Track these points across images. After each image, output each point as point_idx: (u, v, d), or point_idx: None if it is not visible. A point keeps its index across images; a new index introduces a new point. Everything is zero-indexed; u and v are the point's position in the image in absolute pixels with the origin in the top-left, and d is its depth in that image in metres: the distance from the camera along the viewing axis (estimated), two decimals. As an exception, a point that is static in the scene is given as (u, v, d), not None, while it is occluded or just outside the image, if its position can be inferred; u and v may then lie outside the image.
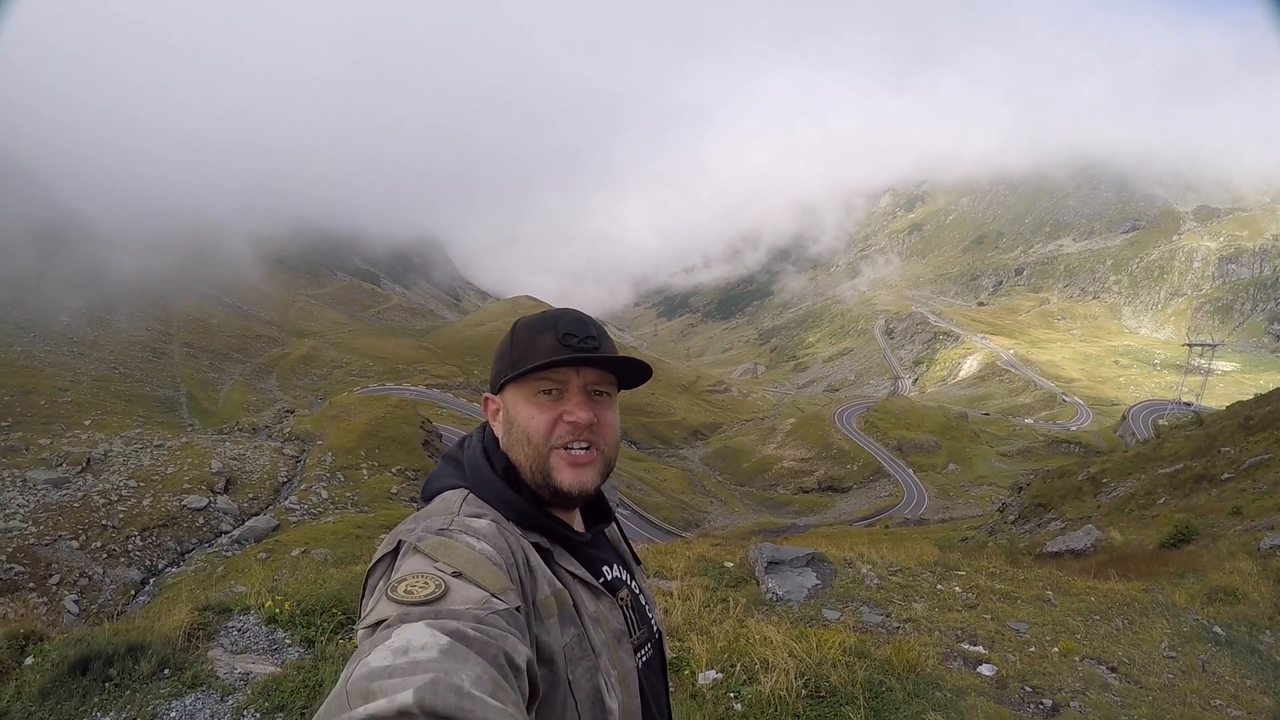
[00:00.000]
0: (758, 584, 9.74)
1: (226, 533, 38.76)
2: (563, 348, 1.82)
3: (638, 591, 2.09)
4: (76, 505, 37.59)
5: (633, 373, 1.93)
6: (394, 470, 51.16)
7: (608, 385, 1.91)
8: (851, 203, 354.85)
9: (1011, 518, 43.09)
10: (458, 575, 1.45)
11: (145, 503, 39.30)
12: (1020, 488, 50.29)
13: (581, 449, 1.83)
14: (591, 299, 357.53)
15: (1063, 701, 6.72)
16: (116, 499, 39.02)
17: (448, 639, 1.22)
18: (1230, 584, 11.72)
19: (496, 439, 1.93)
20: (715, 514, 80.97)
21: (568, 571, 1.78)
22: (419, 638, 1.21)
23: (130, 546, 35.67)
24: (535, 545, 1.74)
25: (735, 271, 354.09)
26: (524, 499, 1.80)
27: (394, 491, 47.52)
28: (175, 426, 62.49)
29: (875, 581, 10.12)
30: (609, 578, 1.96)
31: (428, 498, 1.85)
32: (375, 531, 34.11)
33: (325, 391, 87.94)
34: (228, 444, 52.26)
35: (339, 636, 6.68)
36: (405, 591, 1.36)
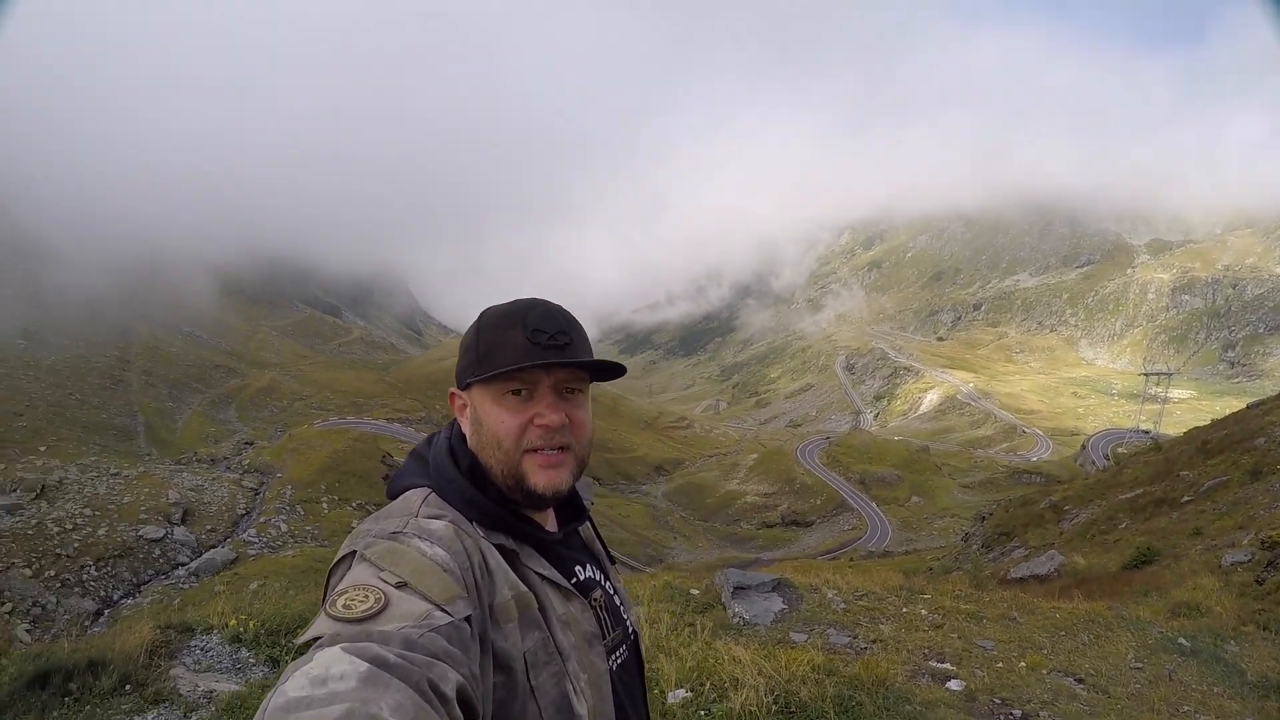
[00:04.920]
0: (724, 609, 9.71)
1: (183, 565, 38.26)
2: (532, 345, 1.72)
3: (612, 592, 2.02)
4: (30, 533, 36.93)
5: (606, 370, 1.86)
6: (354, 504, 50.70)
7: (580, 382, 1.82)
8: (813, 238, 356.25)
9: (975, 547, 43.30)
10: (402, 586, 1.38)
11: (101, 532, 38.71)
12: (983, 518, 50.59)
13: (554, 450, 1.75)
14: None
15: (1031, 712, 6.77)
16: (71, 527, 38.39)
17: (367, 666, 1.15)
18: (1193, 599, 11.87)
19: (464, 436, 1.84)
20: (679, 550, 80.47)
21: (536, 573, 1.71)
22: (338, 665, 1.14)
23: (85, 576, 35.19)
24: (500, 547, 1.67)
25: (699, 308, 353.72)
26: (489, 498, 1.72)
27: (354, 525, 46.81)
28: (132, 456, 61.55)
29: (841, 606, 10.10)
30: (581, 578, 1.89)
31: (392, 495, 1.78)
32: (335, 565, 33.51)
33: (285, 424, 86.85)
34: (186, 475, 51.44)
35: (304, 655, 6.50)
36: (344, 607, 1.31)
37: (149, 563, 37.74)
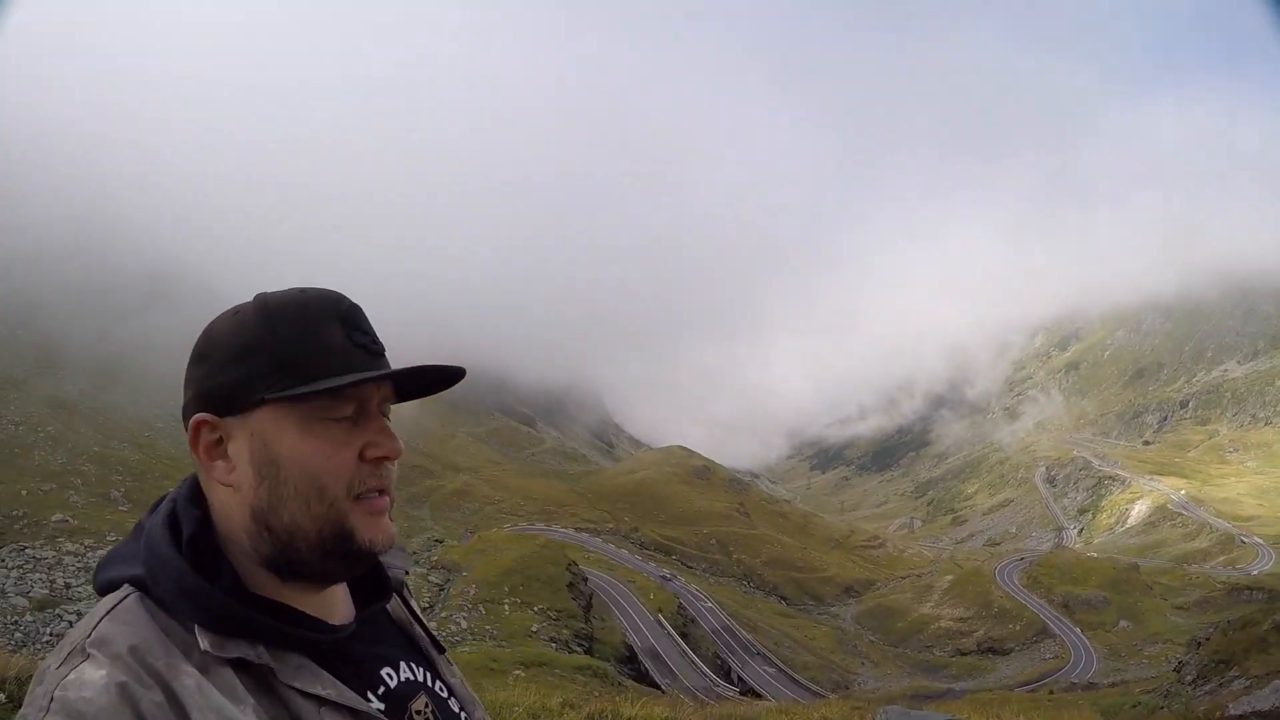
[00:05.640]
0: (878, 752, 8.95)
1: None
2: (355, 350, 1.26)
3: (445, 694, 1.43)
4: None
5: (434, 382, 1.38)
6: (536, 609, 51.15)
7: (389, 401, 1.34)
8: (1006, 342, 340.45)
9: (1189, 678, 39.94)
10: None
11: None
12: (1198, 643, 46.56)
13: (380, 494, 1.28)
14: (746, 451, 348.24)
15: None
16: None
17: None
18: None
19: (198, 494, 1.28)
20: (866, 675, 78.52)
21: (305, 695, 1.17)
22: None
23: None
24: (239, 663, 1.13)
25: (891, 421, 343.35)
26: (223, 587, 1.17)
27: (534, 629, 47.38)
28: (327, 540, 64.25)
29: (1017, 754, 9.21)
30: (392, 685, 1.32)
31: (101, 591, 1.23)
32: (509, 666, 34.07)
33: (475, 525, 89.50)
34: (376, 565, 53.35)
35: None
36: None
37: (330, 643, 38.98)
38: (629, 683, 40.08)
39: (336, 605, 1.34)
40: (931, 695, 59.70)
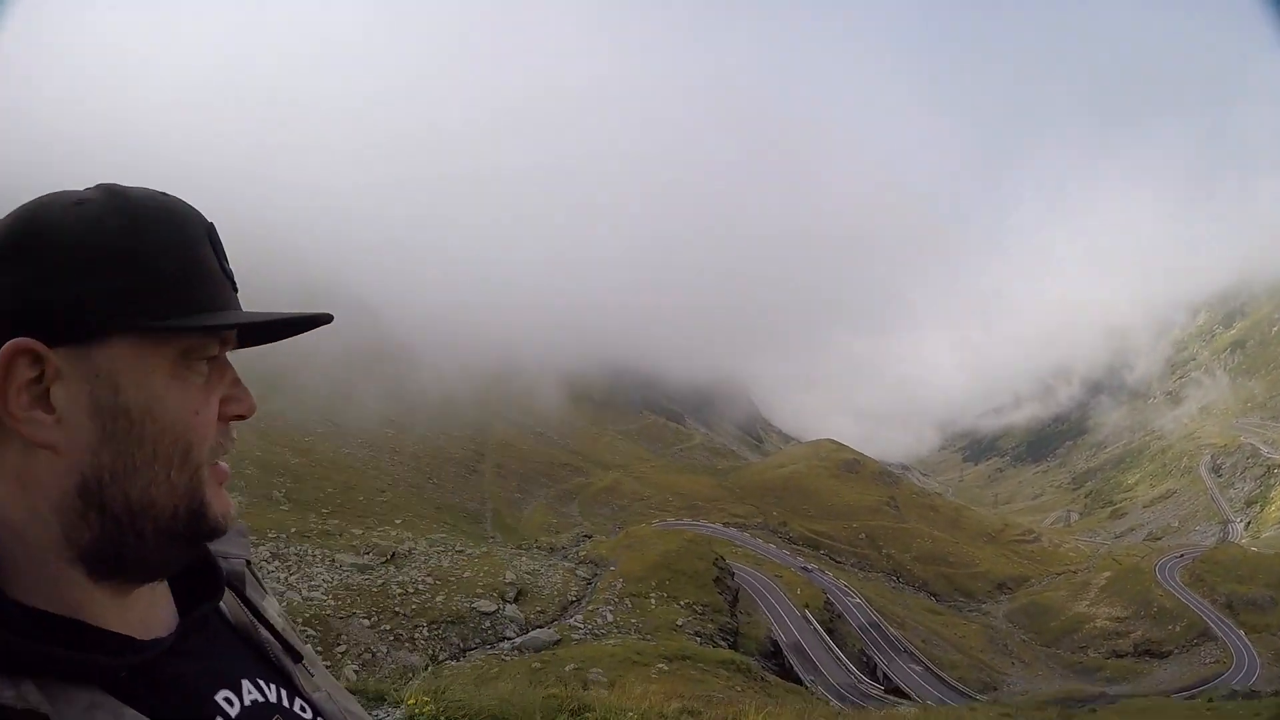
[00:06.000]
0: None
1: (509, 639, 40.54)
2: (225, 278, 0.99)
3: (307, 715, 1.10)
4: (375, 590, 41.03)
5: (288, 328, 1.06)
6: (683, 603, 51.86)
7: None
8: (1166, 321, 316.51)
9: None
10: None
11: (438, 599, 42.18)
12: (1367, 650, 45.18)
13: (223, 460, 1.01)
14: (896, 443, 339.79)
15: None
16: (412, 591, 42.24)
17: None
18: None
19: None
20: (1016, 676, 77.18)
21: None
22: None
23: (417, 635, 38.36)
24: None
25: (1047, 409, 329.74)
26: None
27: (680, 624, 48.15)
28: (477, 537, 67.33)
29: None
30: (234, 712, 0.97)
31: None
32: (653, 660, 34.96)
33: (623, 521, 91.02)
34: (524, 559, 55.35)
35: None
36: None
37: (477, 632, 40.59)
38: (772, 678, 40.59)
39: (154, 611, 0.98)
40: (1084, 700, 58.71)
